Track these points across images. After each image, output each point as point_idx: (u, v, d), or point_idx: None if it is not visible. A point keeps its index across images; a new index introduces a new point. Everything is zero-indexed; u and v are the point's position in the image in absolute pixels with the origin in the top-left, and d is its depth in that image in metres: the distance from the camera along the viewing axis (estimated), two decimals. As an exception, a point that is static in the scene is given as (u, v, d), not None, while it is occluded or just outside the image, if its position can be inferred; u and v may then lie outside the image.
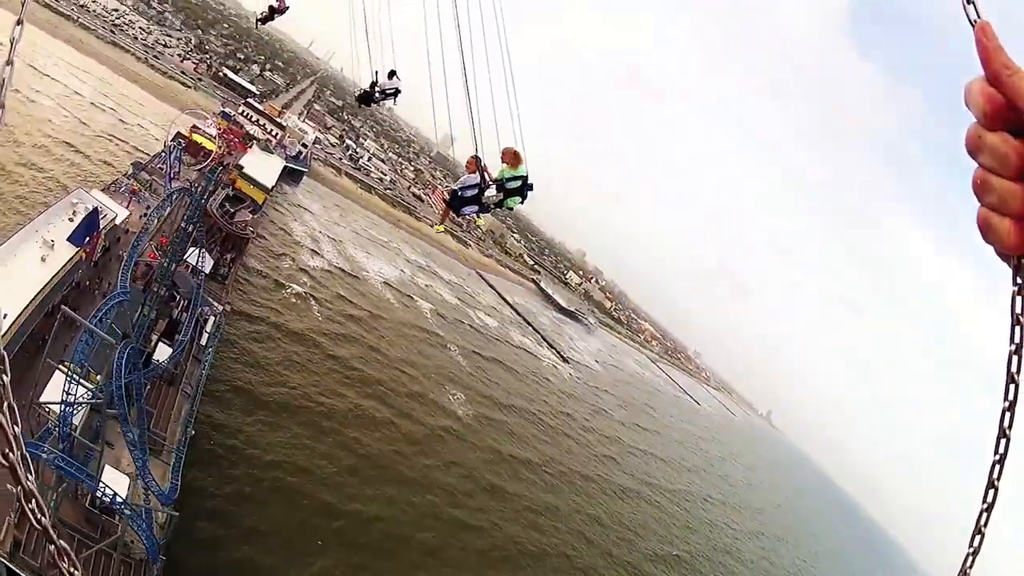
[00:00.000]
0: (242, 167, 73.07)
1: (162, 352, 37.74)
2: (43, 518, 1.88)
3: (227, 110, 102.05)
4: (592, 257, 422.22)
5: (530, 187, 10.51)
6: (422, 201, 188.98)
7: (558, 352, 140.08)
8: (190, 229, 35.38)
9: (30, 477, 1.84)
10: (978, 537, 1.98)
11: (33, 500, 1.86)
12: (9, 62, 2.11)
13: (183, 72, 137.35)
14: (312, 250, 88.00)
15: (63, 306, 28.62)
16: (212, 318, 46.55)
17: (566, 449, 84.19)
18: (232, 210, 63.38)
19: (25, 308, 29.89)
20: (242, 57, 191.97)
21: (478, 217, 10.69)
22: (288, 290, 69.61)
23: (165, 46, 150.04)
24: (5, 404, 1.84)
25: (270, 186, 77.20)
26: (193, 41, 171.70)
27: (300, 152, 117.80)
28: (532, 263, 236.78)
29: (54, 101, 78.91)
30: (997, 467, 1.89)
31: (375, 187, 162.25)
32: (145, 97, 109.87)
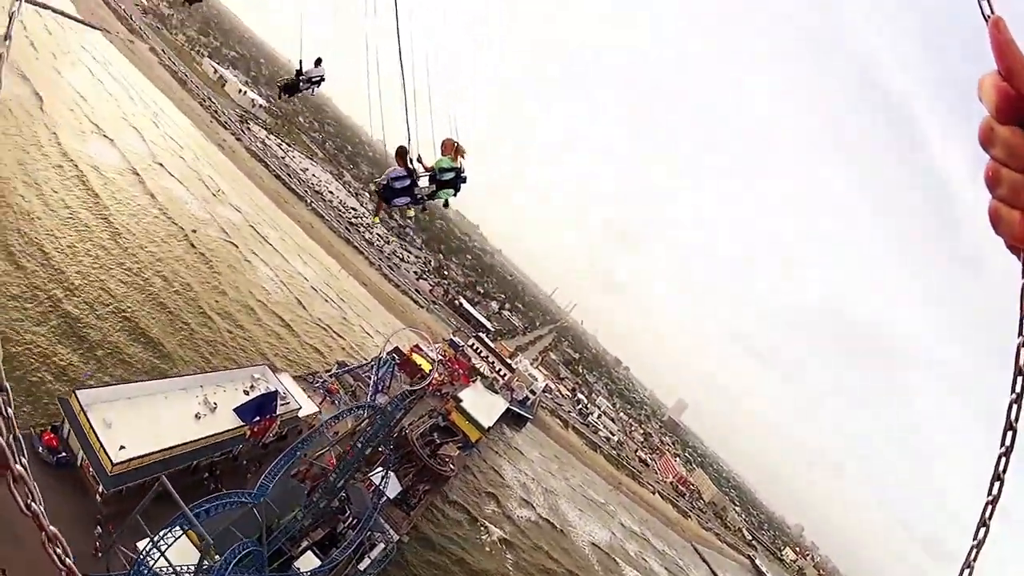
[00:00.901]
0: (460, 400, 72.70)
1: (308, 562, 35.73)
2: (32, 503, 1.82)
3: (456, 339, 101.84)
4: (810, 532, 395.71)
5: (464, 179, 10.30)
6: (647, 466, 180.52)
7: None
8: (367, 451, 34.94)
9: (23, 460, 1.81)
10: (983, 529, 2.05)
11: (23, 484, 1.82)
12: (7, 36, 2.14)
13: (417, 290, 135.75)
14: (522, 497, 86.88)
15: (163, 475, 26.71)
16: (382, 545, 44.31)
17: None
18: (439, 441, 62.71)
19: (148, 455, 30.30)
20: (481, 291, 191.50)
21: (408, 208, 10.29)
22: (484, 531, 67.42)
23: (402, 259, 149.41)
24: None
25: (487, 426, 75.45)
26: (433, 263, 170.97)
27: (527, 398, 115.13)
28: (750, 538, 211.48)
29: (271, 271, 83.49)
30: (1003, 460, 1.96)
31: (601, 445, 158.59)
32: (371, 302, 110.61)
